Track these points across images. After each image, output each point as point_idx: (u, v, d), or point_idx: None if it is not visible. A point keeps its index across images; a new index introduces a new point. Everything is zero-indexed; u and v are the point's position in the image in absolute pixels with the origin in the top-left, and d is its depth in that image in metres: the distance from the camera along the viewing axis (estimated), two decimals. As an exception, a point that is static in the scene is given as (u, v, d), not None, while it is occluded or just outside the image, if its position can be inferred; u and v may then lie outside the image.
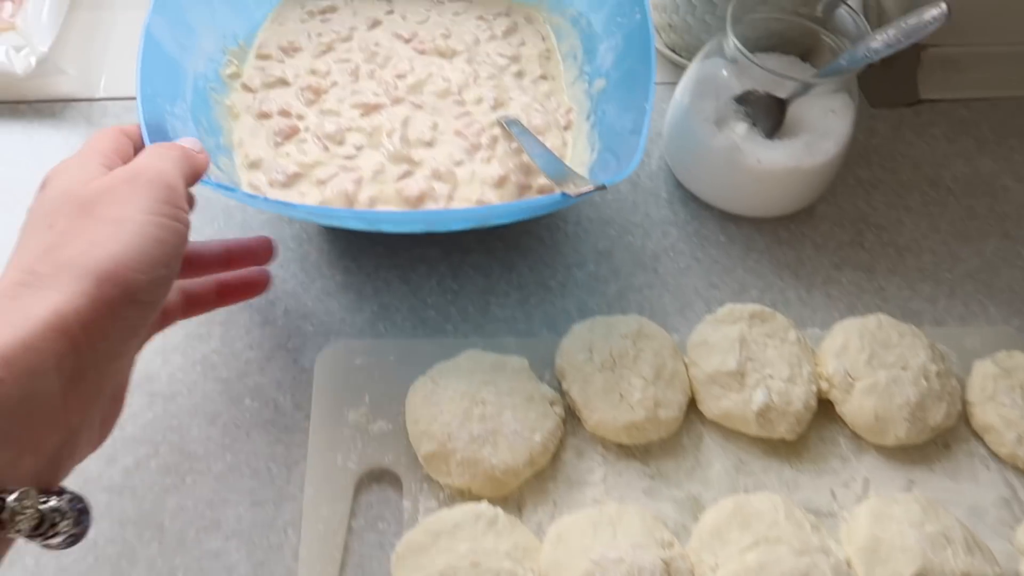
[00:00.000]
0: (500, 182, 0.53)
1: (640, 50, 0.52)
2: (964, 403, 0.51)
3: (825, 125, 0.55)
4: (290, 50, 0.60)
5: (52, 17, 0.65)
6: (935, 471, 0.49)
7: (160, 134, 0.45)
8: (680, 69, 0.68)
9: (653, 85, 0.48)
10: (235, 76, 0.58)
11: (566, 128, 0.57)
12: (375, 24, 0.62)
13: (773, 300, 0.57)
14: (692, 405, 0.50)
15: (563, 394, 0.50)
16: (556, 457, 0.48)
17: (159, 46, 0.49)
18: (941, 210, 0.62)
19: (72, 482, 0.46)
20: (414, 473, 0.47)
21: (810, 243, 0.60)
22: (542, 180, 0.53)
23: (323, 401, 0.50)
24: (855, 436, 0.50)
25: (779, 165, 0.54)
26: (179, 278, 0.43)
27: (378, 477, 0.48)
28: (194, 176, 0.39)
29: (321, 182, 0.52)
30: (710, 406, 0.49)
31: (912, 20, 0.46)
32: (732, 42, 0.52)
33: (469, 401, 0.47)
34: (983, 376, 0.51)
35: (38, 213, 0.35)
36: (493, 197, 0.52)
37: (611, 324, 0.51)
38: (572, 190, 0.42)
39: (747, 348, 0.50)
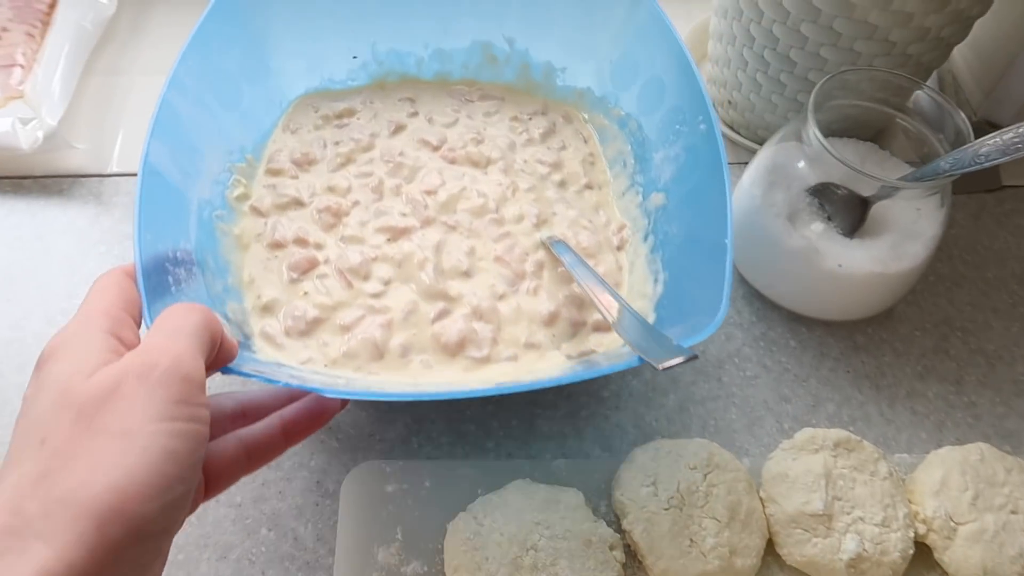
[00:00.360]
0: (550, 320, 0.46)
1: (708, 168, 0.44)
2: (1081, 550, 0.45)
3: (912, 226, 0.50)
4: (304, 163, 0.53)
5: (64, 85, 0.61)
6: (1051, 632, 0.43)
7: (160, 289, 0.38)
8: (739, 149, 0.63)
9: (730, 214, 0.41)
10: (243, 198, 0.50)
11: (619, 248, 0.51)
12: (398, 129, 0.55)
13: (852, 416, 0.51)
14: (768, 546, 0.44)
15: (622, 532, 0.44)
16: (615, 609, 0.42)
17: (160, 178, 0.42)
18: (1033, 312, 0.56)
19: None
20: (453, 627, 0.41)
21: (890, 349, 0.54)
22: (598, 316, 0.47)
23: (349, 535, 0.44)
24: (956, 587, 0.44)
25: (863, 270, 0.49)
26: (236, 428, 0.36)
27: (411, 629, 0.42)
28: (213, 345, 0.32)
29: (345, 328, 0.45)
30: (791, 551, 0.43)
31: None
32: (814, 134, 0.47)
33: (519, 547, 0.41)
34: (1102, 519, 0.45)
35: (30, 417, 0.28)
36: (543, 337, 0.46)
37: (677, 452, 0.45)
38: (657, 362, 0.35)
39: (833, 485, 0.44)
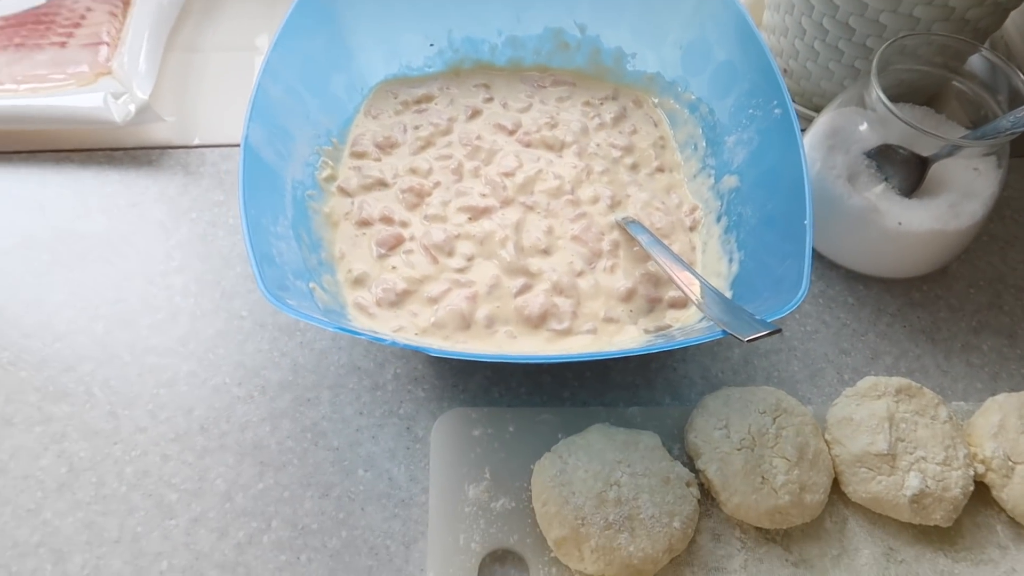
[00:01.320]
0: (628, 296, 0.49)
1: (784, 151, 0.46)
2: None
3: (969, 185, 0.52)
4: (386, 146, 0.56)
5: (150, 62, 0.64)
6: (1104, 565, 0.46)
7: (267, 262, 0.42)
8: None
9: (809, 196, 0.44)
10: (331, 179, 0.54)
11: (692, 229, 0.53)
12: (475, 114, 0.58)
13: (909, 368, 0.53)
14: (833, 485, 0.47)
15: (696, 472, 0.47)
16: (692, 541, 0.45)
17: (259, 158, 0.46)
18: (1083, 270, 0.58)
19: (183, 558, 0.44)
20: (541, 556, 0.45)
21: (945, 305, 0.56)
22: (674, 293, 0.49)
23: (441, 475, 0.47)
24: (1013, 523, 0.47)
25: (923, 228, 0.51)
26: None
27: (502, 559, 0.45)
28: None
29: (433, 300, 0.48)
30: (856, 489, 0.46)
31: None
32: (878, 96, 0.49)
33: (603, 483, 0.44)
34: None
35: None
36: (621, 312, 0.49)
37: (746, 398, 0.48)
38: (743, 335, 0.37)
39: (896, 428, 0.46)
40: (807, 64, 0.61)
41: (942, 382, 0.53)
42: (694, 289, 0.44)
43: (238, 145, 0.47)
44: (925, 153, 0.51)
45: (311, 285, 0.46)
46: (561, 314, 0.48)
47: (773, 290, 0.43)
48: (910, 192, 0.52)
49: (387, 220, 0.52)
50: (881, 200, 0.52)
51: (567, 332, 0.48)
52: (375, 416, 0.51)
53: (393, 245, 0.51)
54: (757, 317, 0.39)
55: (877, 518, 0.47)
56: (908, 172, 0.52)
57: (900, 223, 0.51)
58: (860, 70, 0.59)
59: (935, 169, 0.52)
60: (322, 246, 0.50)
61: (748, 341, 0.37)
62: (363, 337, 0.39)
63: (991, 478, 0.46)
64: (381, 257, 0.50)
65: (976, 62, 0.53)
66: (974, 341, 0.54)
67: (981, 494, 0.47)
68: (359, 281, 0.49)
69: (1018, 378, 0.53)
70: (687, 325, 0.48)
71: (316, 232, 0.50)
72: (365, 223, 0.52)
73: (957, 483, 0.45)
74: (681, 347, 0.41)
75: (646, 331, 0.49)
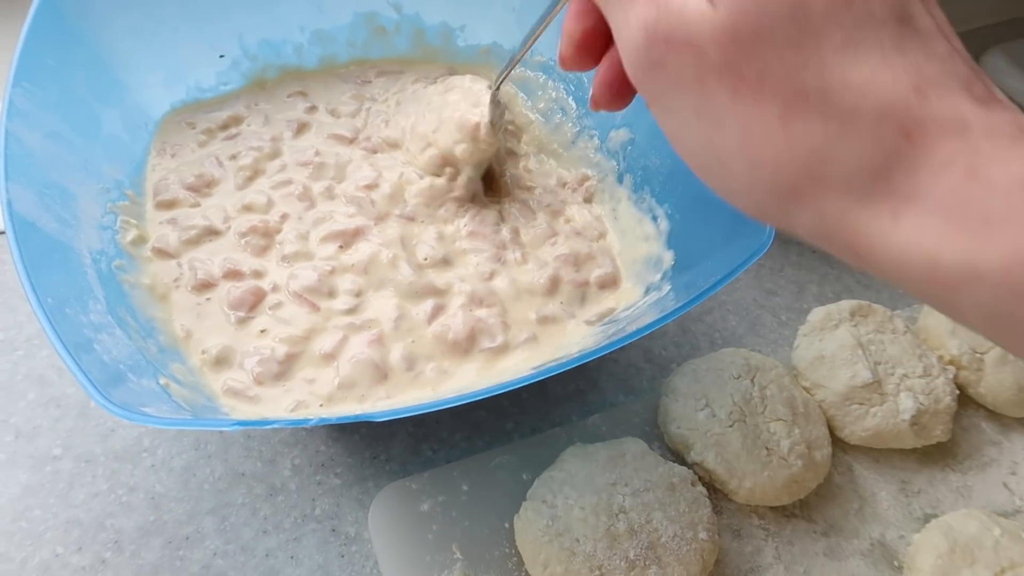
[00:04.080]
0: (552, 288, 0.41)
1: None
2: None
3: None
4: (202, 187, 0.43)
5: None
6: (1081, 429, 0.45)
7: (94, 363, 0.29)
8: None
9: None
10: (140, 241, 0.40)
11: (587, 201, 0.47)
12: (302, 128, 0.47)
13: (835, 291, 0.50)
14: (825, 434, 0.42)
15: (690, 466, 0.40)
16: (714, 548, 0.38)
17: (35, 229, 0.33)
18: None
19: None
20: (559, 631, 0.35)
21: (840, 222, 0.54)
22: (599, 271, 0.43)
23: (399, 573, 0.36)
24: (994, 415, 0.45)
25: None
26: None
27: (510, 652, 0.35)
28: None
29: (329, 356, 0.37)
30: (854, 430, 0.42)
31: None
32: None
33: (607, 516, 0.36)
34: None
35: None
36: (554, 308, 0.41)
37: (714, 367, 0.42)
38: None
39: (868, 352, 0.43)
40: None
41: (867, 296, 0.50)
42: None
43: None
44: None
45: (162, 381, 0.33)
46: (490, 328, 0.39)
47: (729, 232, 0.37)
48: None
49: (234, 275, 0.39)
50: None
51: (504, 348, 0.39)
52: (285, 529, 0.38)
53: (253, 304, 0.39)
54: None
55: (879, 455, 0.43)
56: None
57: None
58: None
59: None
60: (156, 328, 0.37)
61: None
62: (277, 425, 0.28)
63: (964, 376, 0.44)
64: (241, 322, 0.38)
65: None
66: (879, 249, 0.53)
67: (960, 399, 0.45)
68: (222, 361, 0.37)
69: (930, 273, 0.52)
70: (632, 303, 0.41)
71: (142, 312, 0.37)
72: (206, 286, 0.39)
73: (945, 390, 0.42)
74: (663, 324, 0.34)
75: (588, 323, 0.41)
